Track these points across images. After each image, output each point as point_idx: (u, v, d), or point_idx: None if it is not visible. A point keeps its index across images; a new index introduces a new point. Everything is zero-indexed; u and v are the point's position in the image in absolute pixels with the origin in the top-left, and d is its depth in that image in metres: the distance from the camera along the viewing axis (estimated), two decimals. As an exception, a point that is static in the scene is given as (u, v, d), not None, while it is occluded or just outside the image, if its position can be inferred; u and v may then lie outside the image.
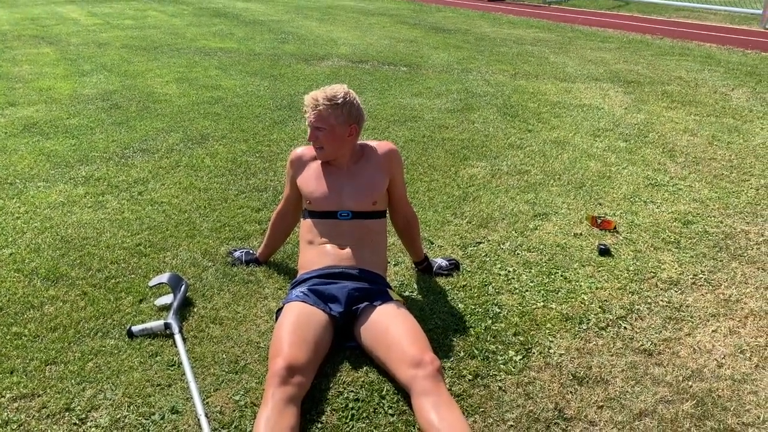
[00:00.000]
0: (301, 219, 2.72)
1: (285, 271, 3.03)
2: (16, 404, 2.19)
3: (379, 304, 2.42)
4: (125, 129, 4.98)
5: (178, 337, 2.47)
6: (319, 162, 2.65)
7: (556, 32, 10.95)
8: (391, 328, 2.33)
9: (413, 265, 3.07)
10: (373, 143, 2.68)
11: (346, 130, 2.50)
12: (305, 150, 2.70)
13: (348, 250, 2.53)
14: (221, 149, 4.58)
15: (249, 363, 2.42)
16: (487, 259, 3.23)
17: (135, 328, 2.51)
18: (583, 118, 5.68)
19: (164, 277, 2.77)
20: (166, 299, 2.72)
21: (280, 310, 2.48)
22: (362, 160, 2.62)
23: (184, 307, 2.71)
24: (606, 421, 2.23)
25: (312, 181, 2.60)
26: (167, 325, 2.53)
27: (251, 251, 3.08)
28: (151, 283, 2.77)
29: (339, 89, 2.49)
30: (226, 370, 2.38)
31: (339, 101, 2.45)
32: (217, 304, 2.76)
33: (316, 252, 2.55)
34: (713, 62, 8.30)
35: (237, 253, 3.07)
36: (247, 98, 5.96)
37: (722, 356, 2.59)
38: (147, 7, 12.94)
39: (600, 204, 3.92)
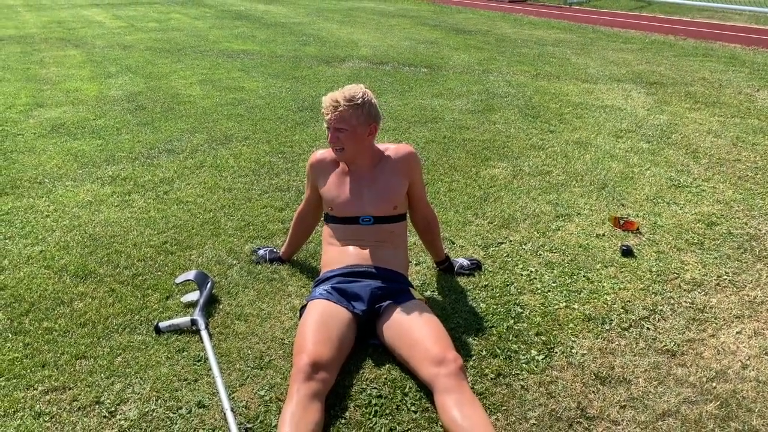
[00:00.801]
0: (325, 224, 2.74)
1: (308, 269, 3.07)
2: (47, 397, 2.25)
3: (402, 303, 2.45)
4: (150, 130, 5.07)
5: (204, 333, 2.51)
6: (340, 166, 2.65)
7: (577, 33, 10.90)
8: (413, 327, 2.35)
9: (434, 265, 3.09)
10: (391, 146, 2.70)
11: (366, 129, 2.52)
12: (325, 153, 2.72)
13: (369, 250, 2.56)
14: (245, 150, 4.63)
15: (274, 359, 2.45)
16: (509, 259, 3.24)
17: (162, 324, 2.56)
18: (605, 119, 5.66)
19: (190, 275, 2.82)
20: (193, 296, 2.77)
21: (303, 307, 2.51)
22: (382, 163, 2.63)
23: (210, 304, 2.76)
24: (629, 421, 2.23)
25: (333, 187, 2.63)
26: (194, 322, 2.57)
27: (275, 249, 3.13)
28: (178, 280, 2.82)
29: (357, 89, 2.50)
30: (252, 365, 2.42)
31: (359, 101, 2.46)
32: (242, 302, 2.81)
33: (338, 252, 2.58)
34: (738, 63, 8.21)
35: (261, 252, 3.11)
36: (269, 100, 6.02)
37: (747, 357, 2.58)
38: (170, 10, 13.11)
39: (622, 205, 3.91)
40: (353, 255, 2.55)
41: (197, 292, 2.78)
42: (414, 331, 2.34)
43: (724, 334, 2.71)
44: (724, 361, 2.55)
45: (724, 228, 3.65)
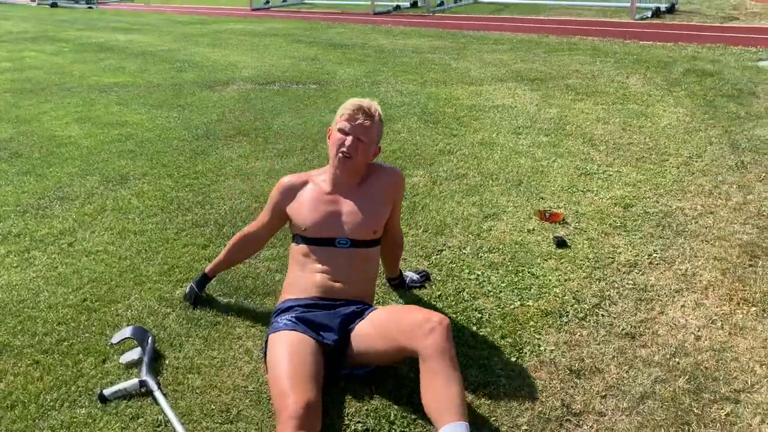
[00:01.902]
0: (293, 243, 2.56)
1: (251, 309, 2.87)
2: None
3: (368, 312, 2.36)
4: (34, 178, 4.59)
5: (158, 394, 2.27)
6: (315, 187, 2.50)
7: (448, 39, 11.21)
8: (389, 314, 2.30)
9: (385, 282, 2.99)
10: (378, 166, 2.58)
11: (376, 148, 2.50)
12: (294, 178, 2.57)
13: (340, 284, 2.39)
14: (146, 187, 4.31)
15: (242, 410, 2.26)
16: (454, 265, 3.21)
17: (107, 392, 2.29)
18: (500, 118, 5.83)
19: (127, 332, 2.55)
20: (133, 354, 2.51)
21: (266, 342, 2.34)
22: (367, 184, 2.50)
23: (155, 361, 2.50)
24: (613, 410, 2.25)
25: (307, 209, 2.45)
26: (143, 383, 2.32)
27: (193, 285, 2.87)
28: (114, 340, 2.54)
29: (375, 104, 2.43)
30: (220, 420, 2.21)
31: (379, 118, 2.44)
32: (189, 353, 2.57)
33: (305, 279, 2.41)
34: (601, 54, 8.79)
35: (188, 289, 2.88)
36: (159, 132, 5.67)
37: (697, 329, 2.70)
38: (22, 48, 12.10)
39: (542, 198, 4.01)
40: (320, 287, 2.39)
41: (137, 350, 2.52)
42: (390, 316, 2.28)
43: (670, 310, 2.83)
44: (679, 336, 2.65)
45: (639, 209, 3.84)
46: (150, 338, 2.54)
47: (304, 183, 2.53)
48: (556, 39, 10.47)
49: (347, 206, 2.43)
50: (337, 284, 2.37)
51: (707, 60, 8.30)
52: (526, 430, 2.16)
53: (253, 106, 6.52)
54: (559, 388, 2.35)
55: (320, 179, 2.53)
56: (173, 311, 2.85)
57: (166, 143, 5.31)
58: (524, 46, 9.97)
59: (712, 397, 2.30)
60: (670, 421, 2.19)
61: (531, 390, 2.34)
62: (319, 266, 2.40)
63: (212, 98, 7.00)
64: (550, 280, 3.07)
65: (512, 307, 2.86)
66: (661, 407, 2.25)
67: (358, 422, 2.19)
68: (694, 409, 2.24)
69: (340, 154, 2.37)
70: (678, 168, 4.48)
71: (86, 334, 2.70)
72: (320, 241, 2.41)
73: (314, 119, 5.95)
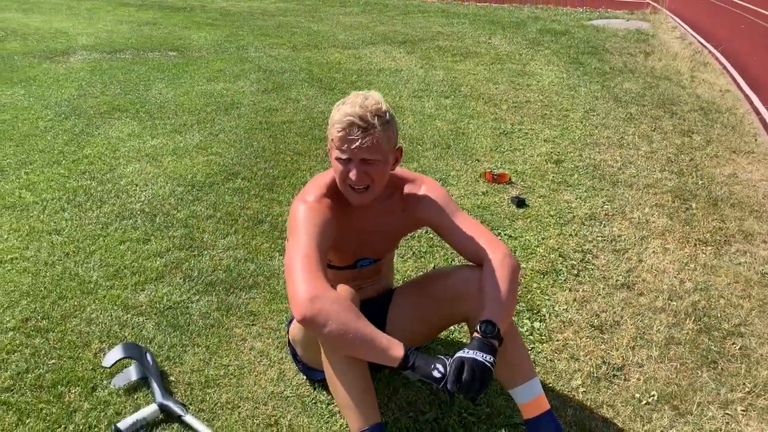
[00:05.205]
0: None
1: (241, 305, 2.55)
2: None
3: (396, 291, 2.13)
4: None
5: (189, 418, 1.93)
6: (334, 207, 1.81)
7: (293, 2, 10.83)
8: (418, 280, 2.10)
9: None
10: (410, 179, 1.93)
11: (393, 155, 1.78)
12: (316, 195, 1.81)
13: (363, 288, 2.06)
14: (36, 178, 3.62)
15: (291, 419, 1.99)
16: (426, 237, 3.10)
17: (123, 425, 1.89)
18: (393, 82, 5.74)
19: (118, 351, 2.13)
20: (129, 375, 2.11)
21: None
22: (392, 200, 1.90)
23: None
24: (646, 359, 2.32)
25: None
26: (163, 408, 1.95)
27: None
28: (106, 363, 2.10)
29: (377, 98, 1.71)
30: (272, 437, 1.93)
31: (388, 117, 1.70)
32: (194, 365, 2.21)
33: None
34: (453, 15, 9.03)
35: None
36: (13, 112, 4.79)
37: (676, 273, 2.88)
38: None
39: (477, 160, 4.02)
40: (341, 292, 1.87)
41: (130, 370, 2.13)
42: (421, 281, 2.07)
43: (646, 257, 2.99)
44: (665, 281, 2.81)
45: (569, 164, 4.00)
46: (148, 354, 2.14)
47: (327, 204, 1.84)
48: (396, 1, 10.53)
49: (369, 228, 1.92)
50: (360, 289, 1.99)
51: (549, 20, 8.88)
52: (584, 391, 2.16)
53: (113, 78, 5.77)
54: (592, 347, 2.37)
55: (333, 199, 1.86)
56: (148, 319, 2.44)
57: (30, 125, 4.51)
58: (372, 8, 9.94)
59: (721, 334, 2.46)
60: (699, 362, 2.31)
61: (569, 352, 2.34)
62: (338, 282, 1.85)
63: (58, 71, 6.07)
64: (529, 241, 3.09)
65: (508, 271, 2.83)
66: (687, 351, 2.37)
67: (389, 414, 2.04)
68: (713, 347, 2.39)
69: (351, 190, 1.76)
70: (582, 122, 4.73)
71: (52, 360, 2.20)
72: (339, 267, 2.02)
73: (195, 90, 5.41)
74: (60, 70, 6.11)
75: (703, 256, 3.01)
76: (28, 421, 1.95)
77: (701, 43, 8.09)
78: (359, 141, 1.66)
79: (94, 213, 3.26)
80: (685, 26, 9.32)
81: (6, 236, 3.01)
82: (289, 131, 4.42)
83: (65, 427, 1.93)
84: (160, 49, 7.02)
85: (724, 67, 6.79)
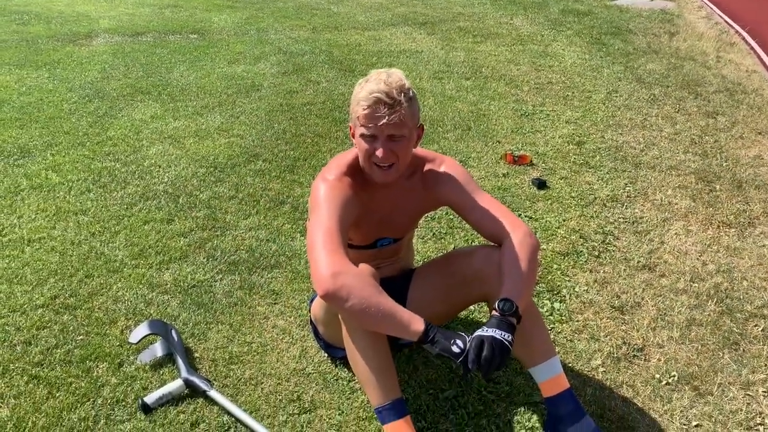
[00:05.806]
0: None
1: (263, 284, 2.59)
2: None
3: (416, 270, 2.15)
4: None
5: (214, 393, 1.97)
6: (355, 185, 1.84)
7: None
8: (439, 259, 2.11)
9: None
10: (430, 159, 1.95)
11: (416, 132, 1.80)
12: (336, 173, 1.83)
13: (381, 268, 2.06)
14: (60, 159, 3.68)
15: (313, 395, 2.03)
16: (447, 218, 3.11)
17: (149, 399, 1.94)
18: (414, 63, 5.71)
19: (144, 328, 2.18)
20: (155, 351, 2.16)
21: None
22: (413, 180, 1.92)
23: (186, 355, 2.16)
24: (667, 340, 2.32)
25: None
26: (188, 383, 2.00)
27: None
28: (133, 339, 2.15)
29: (399, 74, 1.71)
30: (295, 411, 1.97)
31: (411, 93, 1.71)
32: (218, 342, 2.26)
33: None
34: (474, -4, 8.91)
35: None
36: (38, 95, 4.86)
37: (699, 255, 2.86)
38: None
39: (498, 142, 4.01)
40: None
41: (156, 346, 2.18)
42: (441, 260, 2.09)
43: (668, 239, 2.97)
44: (687, 262, 2.79)
45: (591, 145, 3.97)
46: (173, 331, 2.19)
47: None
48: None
49: (389, 207, 1.94)
50: (379, 269, 1.95)
51: (572, 0, 8.75)
52: (603, 371, 2.17)
53: (136, 61, 5.81)
54: (613, 328, 2.37)
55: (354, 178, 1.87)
56: (172, 297, 2.48)
57: (55, 107, 4.58)
58: (394, -11, 9.83)
59: (743, 316, 2.45)
60: (721, 344, 2.30)
61: (589, 332, 2.34)
62: (358, 261, 1.79)
63: (81, 54, 6.13)
64: (549, 222, 3.08)
65: (529, 252, 2.83)
66: (709, 332, 2.36)
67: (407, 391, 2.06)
68: (734, 329, 2.38)
69: (377, 168, 1.78)
70: (604, 104, 4.68)
71: (80, 336, 2.26)
72: (359, 246, 2.04)
73: (216, 72, 5.44)
74: (83, 53, 6.17)
75: (726, 238, 2.99)
76: (58, 394, 2.01)
77: (728, 23, 7.93)
78: (387, 118, 1.67)
79: (118, 194, 3.31)
80: (712, 6, 9.14)
81: (34, 216, 3.08)
82: (309, 113, 4.43)
83: (94, 401, 1.99)
84: (181, 32, 7.05)
85: (751, 48, 6.66)
